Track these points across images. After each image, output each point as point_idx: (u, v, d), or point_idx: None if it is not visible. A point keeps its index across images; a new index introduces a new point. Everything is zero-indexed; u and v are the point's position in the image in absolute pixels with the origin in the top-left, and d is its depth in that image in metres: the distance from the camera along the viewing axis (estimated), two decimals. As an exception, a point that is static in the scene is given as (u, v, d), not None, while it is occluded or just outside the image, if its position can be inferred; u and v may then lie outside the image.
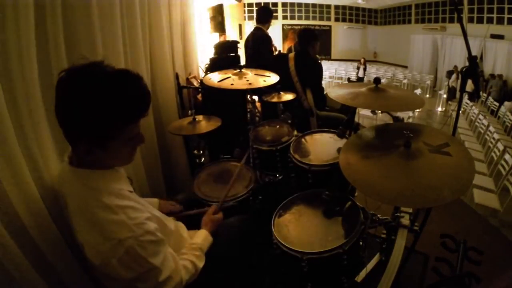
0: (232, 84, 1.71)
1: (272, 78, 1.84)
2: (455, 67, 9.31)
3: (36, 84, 1.04)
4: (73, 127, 0.77)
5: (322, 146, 1.74)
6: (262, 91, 2.29)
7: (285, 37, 13.86)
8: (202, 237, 1.12)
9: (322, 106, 2.66)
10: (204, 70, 3.19)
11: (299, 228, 1.26)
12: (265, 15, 3.19)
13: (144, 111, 0.82)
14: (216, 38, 4.68)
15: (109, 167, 0.87)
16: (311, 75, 2.53)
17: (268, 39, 3.17)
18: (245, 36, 10.29)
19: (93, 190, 0.80)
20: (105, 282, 0.87)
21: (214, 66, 2.91)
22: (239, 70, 1.84)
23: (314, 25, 14.10)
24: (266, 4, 13.14)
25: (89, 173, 0.83)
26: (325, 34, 14.25)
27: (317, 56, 2.81)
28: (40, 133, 1.06)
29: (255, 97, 2.73)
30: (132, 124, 0.81)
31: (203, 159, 2.44)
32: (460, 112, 1.56)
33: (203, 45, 4.79)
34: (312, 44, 2.57)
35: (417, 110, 7.27)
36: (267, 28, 3.17)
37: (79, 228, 0.81)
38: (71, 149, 0.86)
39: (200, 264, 1.03)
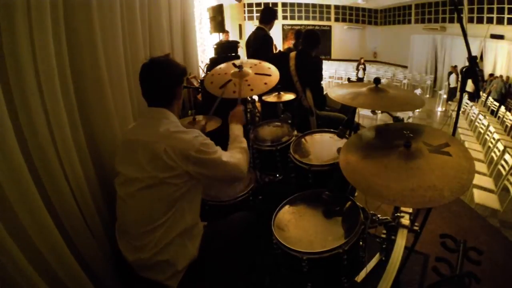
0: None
1: (272, 78, 1.83)
2: (455, 67, 9.29)
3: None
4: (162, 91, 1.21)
5: (322, 146, 1.74)
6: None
7: (285, 37, 13.86)
8: (234, 129, 1.44)
9: (322, 106, 2.66)
10: (204, 70, 3.19)
11: (299, 228, 1.26)
12: (267, 15, 3.18)
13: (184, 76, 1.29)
14: (216, 38, 4.68)
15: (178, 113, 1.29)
16: (311, 75, 2.53)
17: (269, 40, 3.15)
18: (245, 36, 10.32)
19: (168, 119, 1.18)
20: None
21: (214, 66, 2.90)
22: (239, 71, 1.83)
23: (314, 25, 14.11)
24: (267, 4, 13.15)
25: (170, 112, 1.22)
26: (325, 34, 14.24)
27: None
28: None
29: (255, 97, 2.73)
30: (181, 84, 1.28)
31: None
32: (460, 112, 1.56)
33: (203, 45, 4.79)
34: (315, 48, 2.57)
35: (417, 110, 7.28)
36: (269, 29, 3.17)
37: (166, 147, 1.08)
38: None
39: (245, 144, 1.38)
